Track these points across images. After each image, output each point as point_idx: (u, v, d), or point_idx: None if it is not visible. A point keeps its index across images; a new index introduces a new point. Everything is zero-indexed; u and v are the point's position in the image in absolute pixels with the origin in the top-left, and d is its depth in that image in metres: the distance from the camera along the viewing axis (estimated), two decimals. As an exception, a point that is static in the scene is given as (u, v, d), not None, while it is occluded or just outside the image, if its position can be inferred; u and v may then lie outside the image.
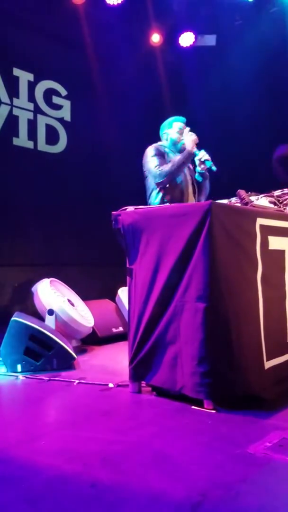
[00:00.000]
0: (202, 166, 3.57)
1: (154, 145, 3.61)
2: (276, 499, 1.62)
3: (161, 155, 3.52)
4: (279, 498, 1.62)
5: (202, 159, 3.52)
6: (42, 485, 1.73)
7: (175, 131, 3.67)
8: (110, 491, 1.69)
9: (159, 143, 3.68)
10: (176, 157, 3.50)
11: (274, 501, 1.60)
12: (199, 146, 3.59)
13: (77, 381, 3.10)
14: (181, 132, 3.64)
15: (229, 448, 2.02)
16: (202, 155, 3.51)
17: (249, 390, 2.55)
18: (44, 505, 1.61)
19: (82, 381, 3.12)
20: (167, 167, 3.43)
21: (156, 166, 3.45)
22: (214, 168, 3.49)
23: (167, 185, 3.46)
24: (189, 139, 3.53)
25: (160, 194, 3.48)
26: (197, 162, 3.60)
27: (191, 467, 1.87)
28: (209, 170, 3.56)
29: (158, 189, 3.48)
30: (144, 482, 1.74)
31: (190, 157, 3.52)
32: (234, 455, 1.95)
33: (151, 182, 3.53)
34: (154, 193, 3.50)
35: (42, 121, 5.47)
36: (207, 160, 3.50)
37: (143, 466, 1.88)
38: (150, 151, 3.55)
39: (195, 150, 3.51)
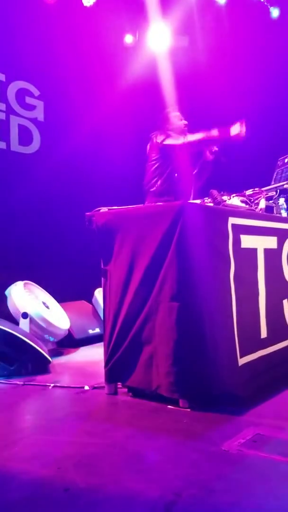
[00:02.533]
0: (210, 157, 3.77)
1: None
2: (251, 495, 1.64)
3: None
4: (254, 494, 1.64)
5: (213, 150, 3.73)
6: (16, 491, 1.71)
7: (177, 119, 3.80)
8: (84, 494, 1.68)
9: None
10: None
11: (249, 498, 1.62)
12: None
13: (52, 385, 3.07)
14: (180, 119, 3.77)
15: (204, 446, 2.04)
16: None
17: (224, 388, 2.57)
18: (19, 508, 1.58)
19: (58, 384, 3.09)
20: (195, 135, 3.51)
21: (178, 138, 3.56)
22: (224, 159, 3.72)
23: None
24: (237, 125, 3.49)
25: (165, 184, 3.58)
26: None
27: (166, 467, 1.87)
28: (217, 160, 3.76)
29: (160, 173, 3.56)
30: (119, 484, 1.74)
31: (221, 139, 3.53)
32: (209, 453, 1.97)
33: (156, 168, 3.60)
34: (157, 180, 3.54)
35: (14, 121, 5.39)
36: (215, 150, 3.73)
37: (117, 467, 1.87)
38: (159, 136, 3.66)
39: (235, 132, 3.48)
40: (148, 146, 3.79)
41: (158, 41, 6.27)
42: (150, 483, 1.73)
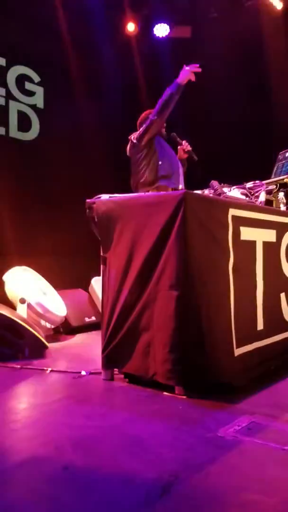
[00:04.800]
0: (184, 155, 3.87)
1: None
2: (246, 478, 1.67)
3: None
4: (249, 478, 1.68)
5: (186, 150, 3.83)
6: (15, 467, 1.74)
7: None
8: (82, 473, 1.71)
9: None
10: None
11: (244, 481, 1.66)
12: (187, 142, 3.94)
13: (49, 369, 3.10)
14: None
15: (200, 432, 2.07)
16: (186, 145, 3.83)
17: (219, 377, 2.60)
18: (18, 486, 1.61)
19: (55, 369, 3.12)
20: (156, 108, 3.58)
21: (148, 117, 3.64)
22: (196, 158, 3.78)
23: (162, 120, 3.64)
24: (186, 73, 3.53)
25: (152, 173, 3.62)
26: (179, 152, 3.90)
27: (162, 450, 1.91)
28: (190, 159, 3.84)
29: (146, 165, 3.62)
30: (116, 465, 1.77)
31: (178, 88, 3.53)
32: (204, 438, 2.00)
33: (140, 163, 3.68)
34: (145, 171, 3.60)
35: (14, 107, 5.36)
36: (189, 150, 3.83)
37: (115, 449, 1.90)
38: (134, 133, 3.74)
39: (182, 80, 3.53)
40: (127, 148, 3.85)
41: (160, 31, 6.25)
42: (147, 465, 1.76)
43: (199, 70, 3.51)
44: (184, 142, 3.91)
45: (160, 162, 3.67)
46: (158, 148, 3.72)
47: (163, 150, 3.75)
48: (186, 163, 3.97)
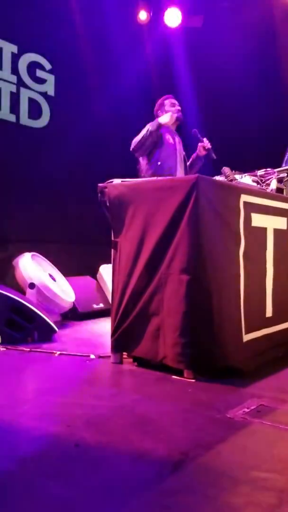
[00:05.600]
0: (203, 152, 4.00)
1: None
2: (256, 457, 1.69)
3: None
4: (258, 457, 1.69)
5: (206, 147, 3.96)
6: (28, 444, 1.76)
7: (168, 106, 3.96)
8: (94, 450, 1.73)
9: None
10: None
11: (254, 459, 1.67)
12: (202, 133, 4.05)
13: (58, 353, 3.12)
14: (173, 105, 3.95)
15: (209, 413, 2.09)
16: (206, 143, 3.97)
17: (228, 361, 2.61)
18: (31, 462, 1.63)
19: (64, 352, 3.14)
20: (137, 136, 3.77)
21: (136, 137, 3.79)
22: (214, 156, 3.90)
23: (141, 155, 3.87)
24: (167, 113, 3.85)
25: (149, 172, 3.72)
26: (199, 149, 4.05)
27: (173, 430, 1.92)
28: (208, 157, 3.98)
29: (148, 164, 3.67)
30: (128, 443, 1.79)
31: (158, 126, 3.81)
32: (214, 419, 2.02)
33: (141, 157, 3.80)
34: (144, 168, 3.65)
35: (25, 94, 5.35)
36: (208, 148, 3.96)
37: (126, 428, 1.92)
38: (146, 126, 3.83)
39: (164, 121, 3.82)
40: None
41: (172, 20, 6.20)
42: (158, 443, 1.78)
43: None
44: (204, 139, 4.02)
45: (159, 163, 3.80)
46: (157, 148, 3.85)
47: (163, 149, 3.86)
48: (203, 159, 4.08)
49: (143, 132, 3.78)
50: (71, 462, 1.64)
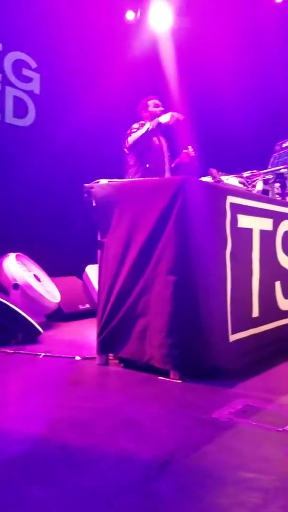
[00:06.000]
0: (186, 159, 4.05)
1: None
2: (242, 457, 1.69)
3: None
4: (244, 457, 1.69)
5: (190, 155, 4.03)
6: (12, 446, 1.73)
7: (152, 107, 3.97)
8: (80, 452, 1.71)
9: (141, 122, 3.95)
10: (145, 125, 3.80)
11: (240, 460, 1.67)
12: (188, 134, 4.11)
13: (43, 354, 3.09)
14: (157, 106, 3.83)
15: (195, 414, 2.09)
16: (190, 151, 4.03)
17: (214, 362, 2.62)
18: (16, 464, 1.61)
19: (48, 354, 3.11)
20: (136, 133, 3.75)
21: (133, 133, 3.76)
22: (197, 164, 4.01)
23: (133, 153, 3.84)
24: (168, 113, 3.80)
25: (137, 175, 3.73)
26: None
27: (158, 431, 1.92)
28: (191, 164, 4.08)
29: (137, 167, 3.68)
30: (113, 444, 1.77)
31: (157, 126, 3.78)
32: (199, 420, 2.02)
33: (131, 158, 3.69)
34: (132, 170, 3.65)
35: (10, 93, 5.30)
36: (192, 156, 4.04)
37: (111, 430, 1.91)
38: (134, 125, 3.84)
39: (164, 120, 3.78)
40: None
41: (159, 20, 6.20)
42: (144, 444, 1.77)
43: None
44: (189, 147, 4.06)
45: (147, 165, 3.83)
46: (146, 150, 3.87)
47: (151, 151, 3.89)
48: (185, 166, 4.11)
49: (143, 129, 3.75)
50: (56, 464, 1.62)
